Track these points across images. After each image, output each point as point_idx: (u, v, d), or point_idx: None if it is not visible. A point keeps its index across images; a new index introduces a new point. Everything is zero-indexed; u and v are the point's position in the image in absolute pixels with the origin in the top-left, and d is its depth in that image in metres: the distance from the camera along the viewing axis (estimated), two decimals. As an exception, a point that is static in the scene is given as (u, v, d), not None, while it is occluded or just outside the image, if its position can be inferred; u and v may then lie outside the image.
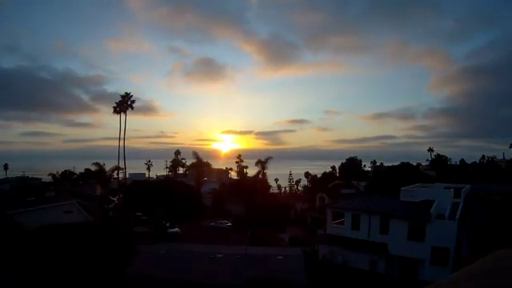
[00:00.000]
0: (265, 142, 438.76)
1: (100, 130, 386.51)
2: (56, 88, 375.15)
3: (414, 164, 78.50)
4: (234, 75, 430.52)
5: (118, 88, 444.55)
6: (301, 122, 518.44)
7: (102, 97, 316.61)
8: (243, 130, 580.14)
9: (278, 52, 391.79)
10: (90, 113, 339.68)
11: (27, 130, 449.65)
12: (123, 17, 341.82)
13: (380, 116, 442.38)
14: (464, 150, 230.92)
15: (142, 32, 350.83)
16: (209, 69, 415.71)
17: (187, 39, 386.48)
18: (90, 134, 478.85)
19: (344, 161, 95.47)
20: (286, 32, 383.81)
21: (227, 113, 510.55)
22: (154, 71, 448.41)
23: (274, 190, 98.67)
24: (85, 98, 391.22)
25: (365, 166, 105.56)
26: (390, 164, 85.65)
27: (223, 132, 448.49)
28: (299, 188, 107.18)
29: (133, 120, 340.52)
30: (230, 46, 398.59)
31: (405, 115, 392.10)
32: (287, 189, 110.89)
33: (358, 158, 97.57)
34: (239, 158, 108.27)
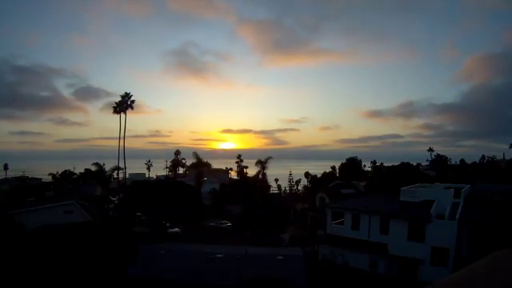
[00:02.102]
0: (265, 141, 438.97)
1: (91, 128, 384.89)
2: (39, 82, 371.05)
3: (414, 164, 78.47)
4: (228, 68, 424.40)
5: (101, 84, 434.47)
6: (301, 121, 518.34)
7: (87, 93, 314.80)
8: (242, 128, 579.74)
9: (277, 40, 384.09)
10: (77, 110, 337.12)
11: (16, 129, 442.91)
12: (100, 10, 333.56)
13: (383, 113, 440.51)
14: (472, 149, 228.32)
15: (123, 25, 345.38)
16: (199, 61, 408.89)
17: (171, 28, 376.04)
18: (81, 132, 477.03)
19: (344, 161, 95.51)
20: (286, 17, 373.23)
21: (224, 110, 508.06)
22: (140, 65, 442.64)
23: (274, 190, 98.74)
24: (70, 94, 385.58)
25: (365, 166, 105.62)
26: (390, 164, 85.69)
27: (221, 131, 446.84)
28: (299, 188, 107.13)
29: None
30: (222, 31, 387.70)
31: (409, 112, 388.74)
32: (287, 189, 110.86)
33: (358, 158, 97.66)
34: (239, 157, 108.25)
